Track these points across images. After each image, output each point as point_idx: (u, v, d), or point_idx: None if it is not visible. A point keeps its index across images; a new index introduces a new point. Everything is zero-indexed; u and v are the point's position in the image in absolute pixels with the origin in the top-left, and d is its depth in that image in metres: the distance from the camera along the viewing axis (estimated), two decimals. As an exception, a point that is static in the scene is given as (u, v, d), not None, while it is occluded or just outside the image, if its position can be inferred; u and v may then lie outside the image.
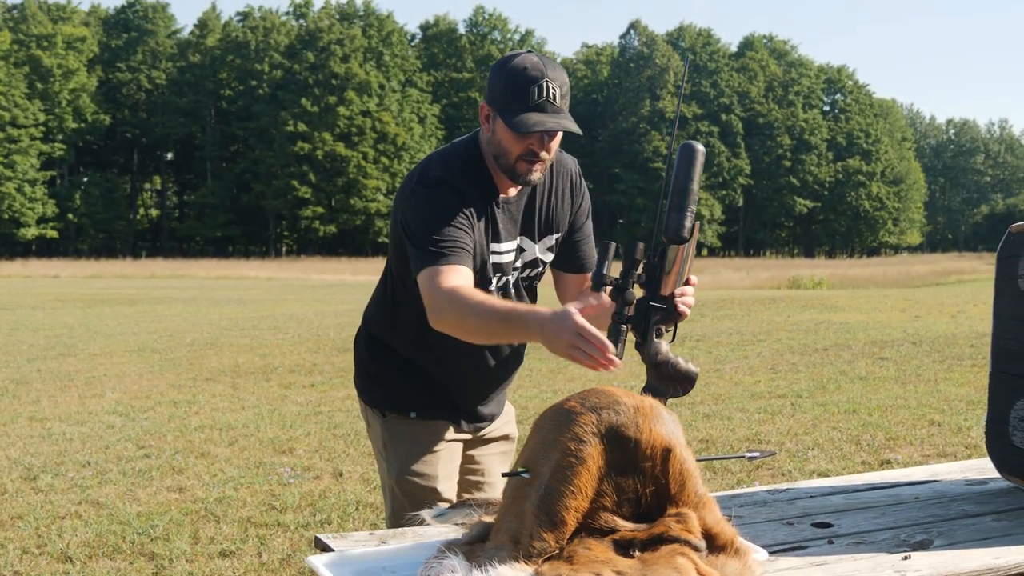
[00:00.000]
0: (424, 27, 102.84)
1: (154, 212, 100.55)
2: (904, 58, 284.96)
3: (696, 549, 2.26)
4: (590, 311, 2.86)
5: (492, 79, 3.14)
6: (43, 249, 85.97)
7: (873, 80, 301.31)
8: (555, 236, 3.41)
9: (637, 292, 2.82)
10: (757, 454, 2.80)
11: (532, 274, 3.45)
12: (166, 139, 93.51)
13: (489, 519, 2.57)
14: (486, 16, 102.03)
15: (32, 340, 17.48)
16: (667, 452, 2.34)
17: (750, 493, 3.22)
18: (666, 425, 2.38)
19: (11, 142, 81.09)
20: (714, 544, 2.35)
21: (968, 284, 40.87)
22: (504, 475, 2.48)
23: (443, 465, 3.44)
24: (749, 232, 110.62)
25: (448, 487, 3.43)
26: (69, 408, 10.71)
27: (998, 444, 3.16)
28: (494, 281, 3.27)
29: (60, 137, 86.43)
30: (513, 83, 3.05)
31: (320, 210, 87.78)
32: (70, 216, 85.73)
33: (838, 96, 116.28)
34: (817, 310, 20.90)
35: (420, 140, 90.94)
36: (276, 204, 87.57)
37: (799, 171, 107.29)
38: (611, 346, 2.68)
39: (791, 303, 22.68)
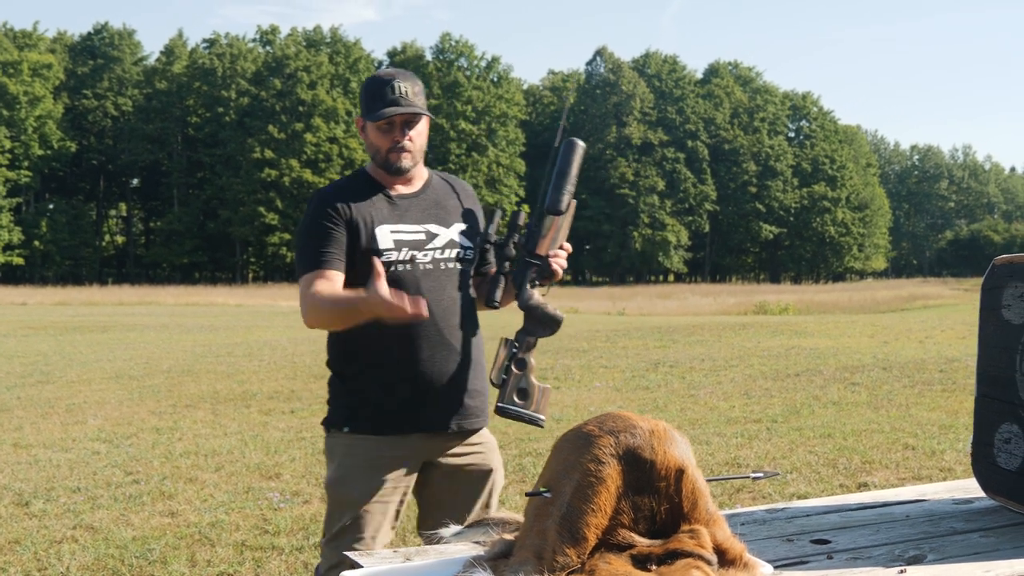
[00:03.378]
0: (391, 54, 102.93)
1: (120, 239, 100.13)
2: (868, 84, 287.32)
3: (709, 563, 2.42)
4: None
5: (360, 97, 3.73)
6: (9, 276, 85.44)
7: (838, 106, 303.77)
8: (467, 226, 3.77)
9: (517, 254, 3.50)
10: (762, 475, 2.97)
11: (461, 256, 3.73)
12: (132, 166, 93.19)
13: (510, 537, 2.72)
14: (453, 43, 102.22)
15: (7, 367, 17.50)
16: (680, 472, 2.49)
17: (749, 512, 3.38)
18: (679, 447, 2.54)
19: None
20: (724, 559, 2.50)
21: (934, 309, 41.30)
22: (527, 495, 2.64)
23: (368, 476, 3.62)
24: (715, 258, 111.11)
25: (375, 500, 3.61)
26: (52, 435, 10.78)
27: (984, 464, 3.32)
28: (398, 254, 3.60)
29: (26, 164, 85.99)
30: (371, 89, 3.64)
31: (287, 236, 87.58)
32: (36, 243, 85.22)
33: (803, 123, 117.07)
34: (787, 336, 21.13)
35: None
36: (243, 231, 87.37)
37: (765, 197, 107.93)
38: (407, 298, 3.22)
39: (761, 329, 22.91)
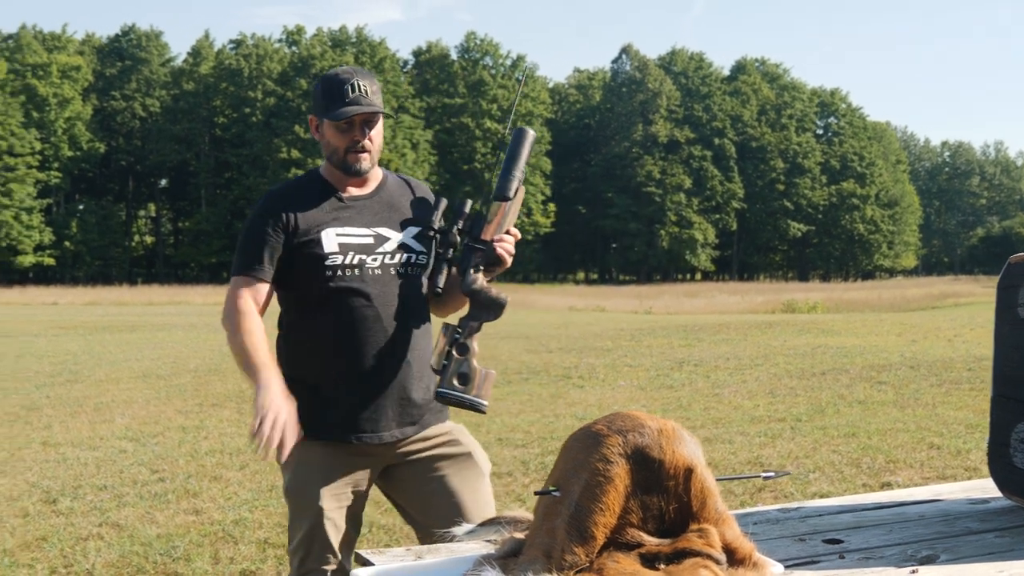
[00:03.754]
0: (416, 53, 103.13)
1: (149, 239, 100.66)
2: (898, 81, 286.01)
3: (717, 562, 2.43)
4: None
5: (314, 94, 3.63)
6: (40, 276, 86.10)
7: (867, 103, 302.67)
8: (420, 231, 3.69)
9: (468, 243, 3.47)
10: (772, 474, 2.96)
11: (411, 260, 3.65)
12: (161, 166, 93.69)
13: (520, 535, 2.73)
14: (478, 42, 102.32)
15: (38, 367, 17.62)
16: (689, 471, 2.50)
17: (762, 511, 3.38)
18: (688, 446, 2.54)
19: (8, 171, 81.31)
20: (734, 558, 2.51)
21: (964, 307, 41.07)
22: (536, 493, 2.65)
23: (323, 482, 3.55)
24: (743, 256, 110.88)
25: (335, 507, 3.55)
26: (80, 433, 10.86)
27: (1000, 464, 3.31)
28: (344, 258, 3.54)
29: (56, 165, 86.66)
30: (329, 88, 3.55)
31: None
32: (67, 243, 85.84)
33: (831, 119, 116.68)
34: (813, 334, 21.07)
35: (413, 166, 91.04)
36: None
37: (793, 194, 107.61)
38: (270, 443, 3.19)
39: (787, 327, 22.85)
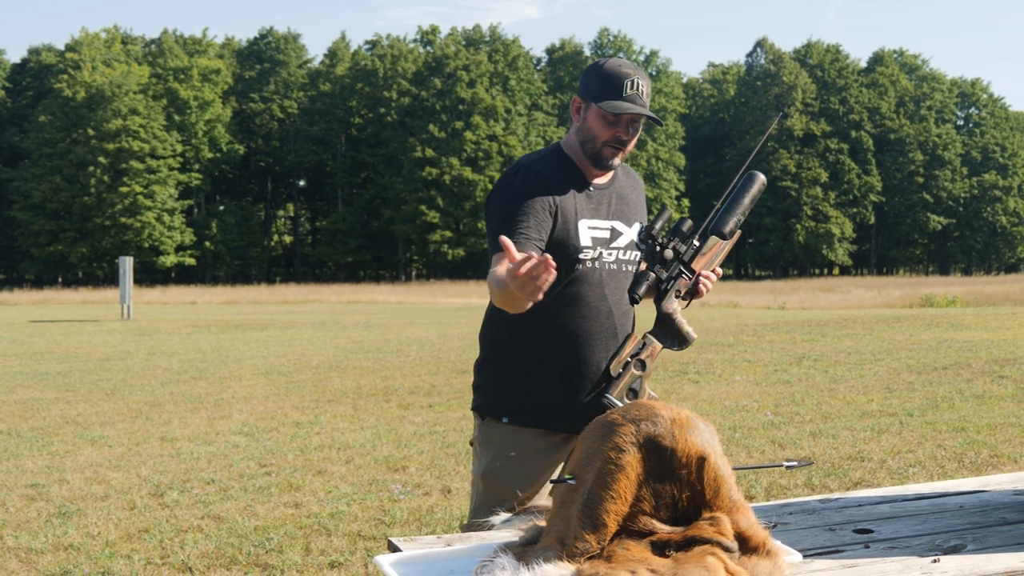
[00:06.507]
0: (550, 51, 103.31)
1: (287, 238, 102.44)
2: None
3: (727, 550, 2.46)
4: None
5: (587, 76, 3.58)
6: (182, 276, 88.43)
7: (1009, 93, 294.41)
8: (641, 233, 3.60)
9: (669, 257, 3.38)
10: (795, 463, 2.97)
11: (634, 258, 3.67)
12: (298, 167, 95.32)
13: (542, 523, 2.79)
14: (611, 38, 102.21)
15: (167, 364, 18.10)
16: (702, 460, 2.53)
17: (801, 502, 3.38)
18: (701, 435, 2.57)
19: (150, 173, 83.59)
20: (747, 546, 2.54)
21: (1106, 300, 39.86)
22: (552, 482, 2.71)
23: (526, 470, 3.60)
24: (881, 250, 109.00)
25: (531, 491, 3.57)
26: (198, 429, 11.15)
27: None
28: (589, 252, 3.54)
29: (196, 167, 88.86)
30: (609, 77, 3.51)
31: (448, 234, 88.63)
32: (207, 244, 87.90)
33: (972, 110, 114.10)
34: (942, 328, 20.65)
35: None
36: (405, 229, 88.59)
37: (932, 187, 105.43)
38: (528, 254, 2.88)
39: (915, 321, 22.43)
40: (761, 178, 3.46)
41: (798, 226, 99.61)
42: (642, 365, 3.36)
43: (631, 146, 3.60)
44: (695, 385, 13.61)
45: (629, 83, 3.47)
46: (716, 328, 22.44)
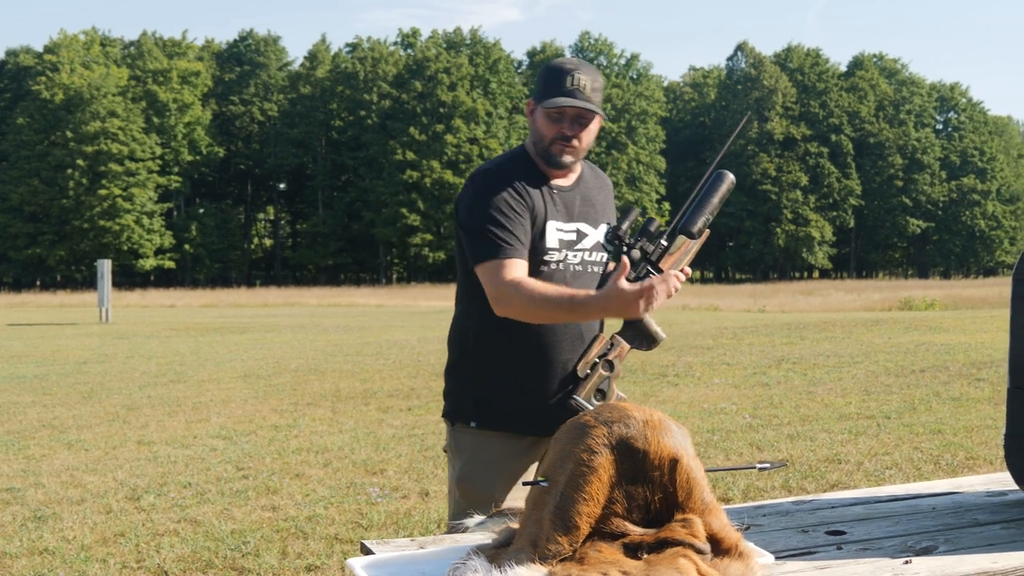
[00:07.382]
0: (531, 54, 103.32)
1: (268, 241, 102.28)
2: (1020, 74, 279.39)
3: (699, 552, 2.46)
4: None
5: (537, 78, 3.60)
6: (161, 279, 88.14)
7: (987, 97, 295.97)
8: (608, 234, 3.55)
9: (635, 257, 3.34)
10: (768, 465, 2.98)
11: (600, 259, 3.65)
12: (278, 170, 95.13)
13: (515, 525, 2.78)
14: (592, 41, 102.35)
15: (145, 368, 18.04)
16: (674, 462, 2.53)
17: (775, 504, 3.39)
18: (674, 437, 2.57)
19: (129, 175, 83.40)
20: (719, 548, 2.54)
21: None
22: (524, 483, 2.71)
23: (498, 474, 3.59)
24: (861, 253, 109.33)
25: (505, 494, 3.57)
26: (176, 432, 11.11)
27: (1017, 457, 3.29)
28: (555, 255, 3.54)
29: (176, 170, 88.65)
30: (551, 75, 3.52)
31: (429, 237, 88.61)
32: (186, 247, 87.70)
33: (951, 114, 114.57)
34: (920, 331, 20.72)
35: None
36: (386, 232, 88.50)
37: (912, 191, 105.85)
38: (665, 273, 3.21)
39: (894, 325, 22.51)
40: (730, 177, 3.40)
41: (778, 229, 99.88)
42: (610, 366, 3.35)
43: (584, 143, 3.57)
44: (674, 388, 13.63)
45: (570, 78, 3.46)
46: (696, 331, 22.46)
